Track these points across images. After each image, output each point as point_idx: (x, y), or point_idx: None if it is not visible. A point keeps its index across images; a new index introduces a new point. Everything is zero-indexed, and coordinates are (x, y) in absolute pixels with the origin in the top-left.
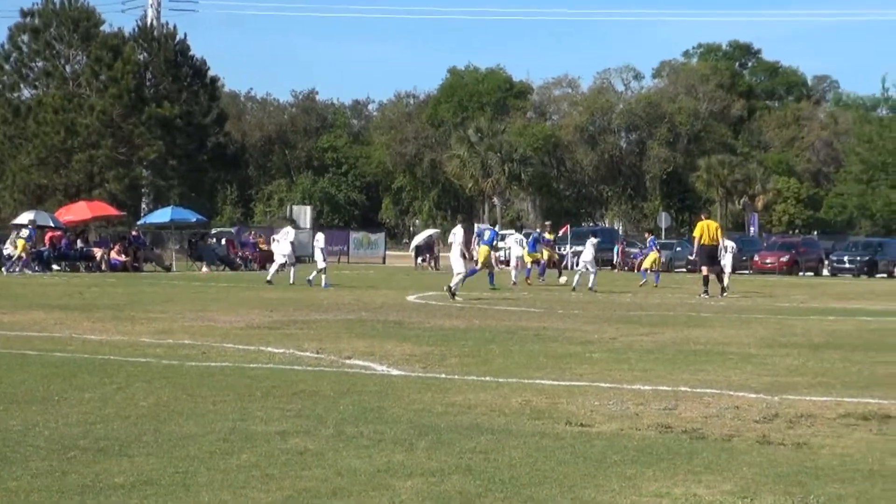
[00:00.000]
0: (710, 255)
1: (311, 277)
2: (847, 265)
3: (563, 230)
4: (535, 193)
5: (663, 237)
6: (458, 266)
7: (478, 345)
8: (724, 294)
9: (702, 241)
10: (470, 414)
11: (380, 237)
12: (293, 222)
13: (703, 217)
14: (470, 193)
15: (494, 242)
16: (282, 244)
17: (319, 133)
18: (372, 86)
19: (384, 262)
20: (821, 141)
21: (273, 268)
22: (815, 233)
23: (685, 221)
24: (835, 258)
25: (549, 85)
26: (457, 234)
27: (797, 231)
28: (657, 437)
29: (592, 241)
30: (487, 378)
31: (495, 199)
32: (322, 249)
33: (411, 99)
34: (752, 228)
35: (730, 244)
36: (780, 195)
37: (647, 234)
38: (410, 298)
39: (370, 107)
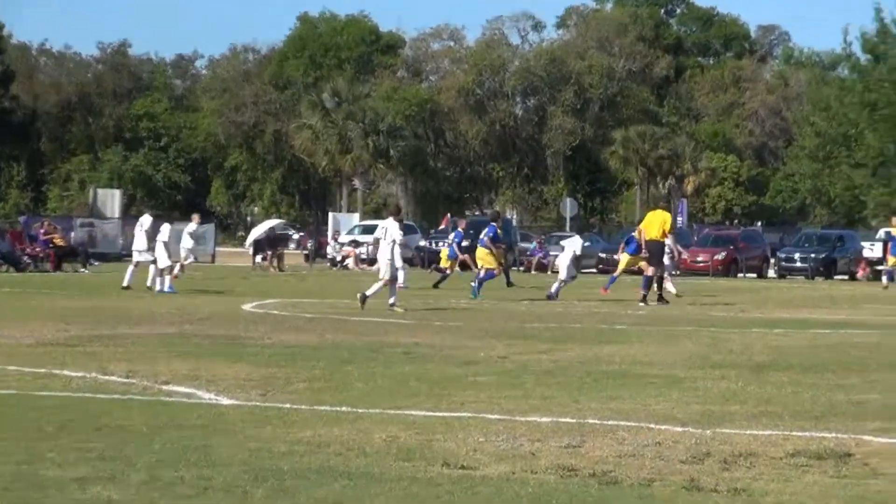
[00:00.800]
0: (655, 252)
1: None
2: (798, 264)
3: (443, 222)
4: (406, 174)
5: (567, 228)
6: (384, 269)
7: (331, 366)
8: (650, 302)
9: (649, 236)
10: (321, 454)
11: (208, 229)
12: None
13: (662, 205)
14: (324, 174)
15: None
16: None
17: (132, 97)
18: (200, 37)
19: (214, 261)
20: (766, 108)
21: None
22: (760, 223)
23: (595, 209)
24: (783, 256)
25: (425, 37)
26: (390, 228)
27: (736, 221)
28: (558, 483)
29: (577, 241)
30: (344, 408)
31: (356, 182)
32: (165, 244)
33: (250, 54)
34: (679, 218)
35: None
36: (714, 176)
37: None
38: (247, 307)
39: (197, 64)
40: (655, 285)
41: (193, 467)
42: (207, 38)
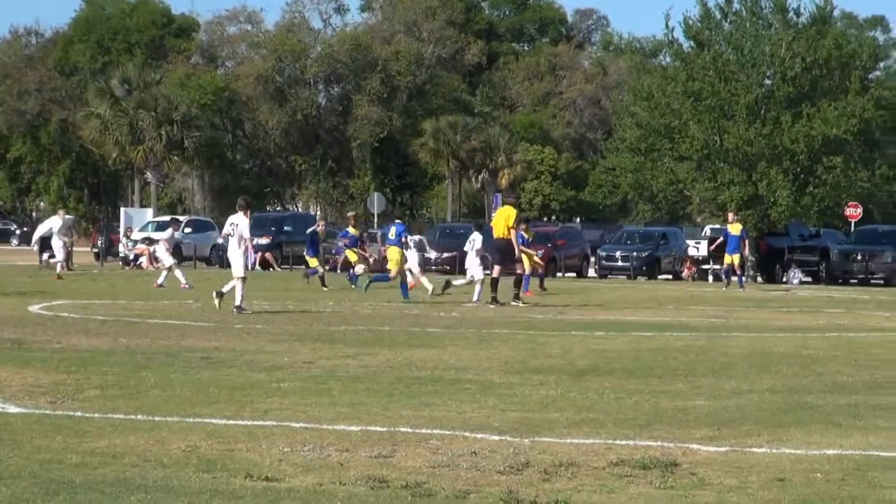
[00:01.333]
0: (502, 251)
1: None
2: (620, 263)
3: None
4: (203, 167)
5: (375, 224)
6: (237, 269)
7: (126, 372)
8: (479, 301)
9: (496, 234)
10: (116, 465)
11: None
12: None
13: (509, 201)
14: (115, 166)
15: (403, 239)
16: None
17: None
18: None
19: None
20: (585, 98)
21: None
22: (579, 220)
23: (405, 204)
24: (604, 254)
25: (220, 19)
26: (241, 224)
27: (554, 218)
28: (368, 495)
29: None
30: (139, 416)
31: (149, 175)
32: None
33: (33, 37)
34: (493, 213)
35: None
36: (531, 169)
37: (350, 220)
38: (34, 309)
39: None
40: (490, 286)
41: None
42: None
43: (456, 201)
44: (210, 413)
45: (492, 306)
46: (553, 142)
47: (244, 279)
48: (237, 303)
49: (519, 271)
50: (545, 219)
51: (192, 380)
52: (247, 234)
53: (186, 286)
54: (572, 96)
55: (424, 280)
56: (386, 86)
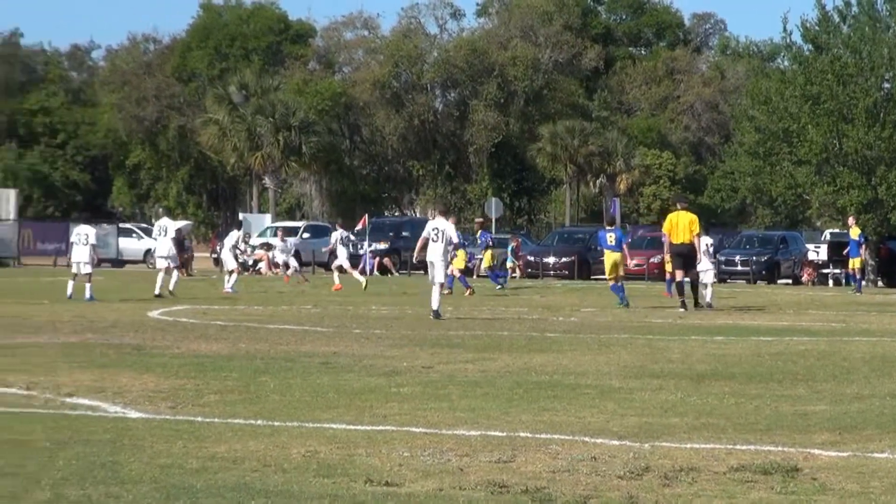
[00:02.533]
0: (684, 256)
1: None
2: (739, 267)
3: (360, 223)
4: (320, 172)
5: (493, 229)
6: (230, 263)
7: (245, 377)
8: (705, 307)
9: (673, 239)
10: (236, 470)
11: (111, 231)
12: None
13: (677, 206)
14: (233, 172)
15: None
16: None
17: (25, 90)
18: (97, 26)
19: (117, 265)
20: (703, 102)
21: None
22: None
23: (522, 209)
24: (723, 258)
25: (337, 25)
26: (447, 230)
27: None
28: (488, 500)
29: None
30: (259, 422)
31: (267, 180)
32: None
33: (151, 44)
34: (609, 217)
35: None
36: (648, 174)
37: (476, 226)
38: (154, 314)
39: (94, 55)
40: (690, 289)
41: (101, 485)
42: (104, 27)
43: (574, 206)
44: (330, 418)
45: (681, 310)
46: (671, 146)
47: (442, 285)
48: (434, 307)
49: (679, 277)
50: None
51: (312, 385)
52: (455, 239)
53: (230, 290)
54: (690, 100)
55: (355, 274)
56: (503, 91)
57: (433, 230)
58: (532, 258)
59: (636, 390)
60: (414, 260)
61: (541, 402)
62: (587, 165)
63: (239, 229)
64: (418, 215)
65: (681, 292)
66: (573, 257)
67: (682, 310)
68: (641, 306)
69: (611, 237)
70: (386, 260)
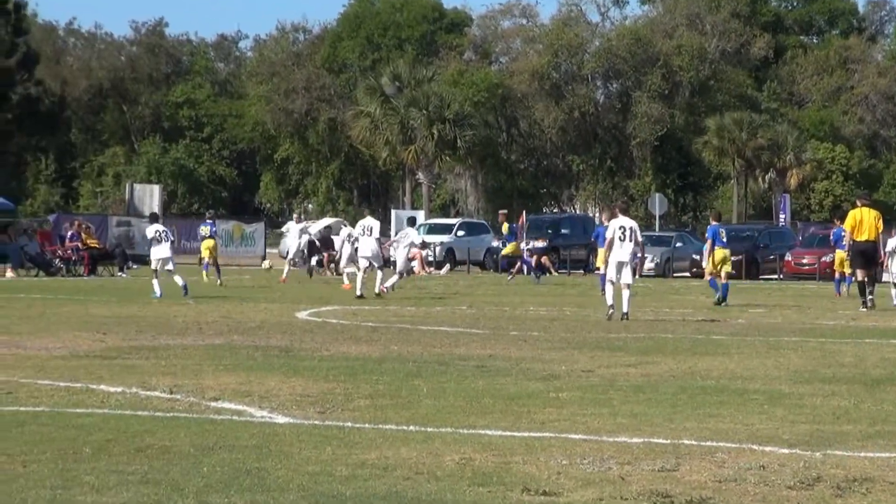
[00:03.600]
0: (867, 255)
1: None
2: None
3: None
4: (476, 167)
5: (657, 226)
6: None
7: (398, 381)
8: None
9: (856, 236)
10: (387, 478)
11: (258, 228)
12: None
13: (857, 203)
14: (385, 167)
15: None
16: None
17: (171, 82)
18: (244, 16)
19: (264, 264)
20: (878, 93)
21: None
22: None
23: (687, 205)
24: None
25: (494, 14)
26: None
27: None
28: None
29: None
30: (412, 427)
31: (420, 175)
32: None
33: (300, 34)
34: (782, 215)
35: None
36: (821, 169)
37: (501, 217)
38: (302, 315)
39: (242, 45)
40: (858, 289)
41: (246, 493)
42: (252, 16)
43: (742, 202)
44: (485, 424)
45: (863, 310)
46: (844, 139)
47: (629, 286)
48: (625, 309)
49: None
50: (835, 221)
51: (466, 389)
52: (640, 238)
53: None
54: (864, 91)
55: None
56: (667, 81)
57: (619, 228)
58: (697, 257)
59: (807, 396)
60: (599, 263)
61: (706, 407)
62: (756, 159)
63: (413, 225)
64: (578, 212)
65: (862, 292)
66: (741, 256)
67: (863, 309)
68: (814, 307)
69: (723, 233)
70: (544, 259)
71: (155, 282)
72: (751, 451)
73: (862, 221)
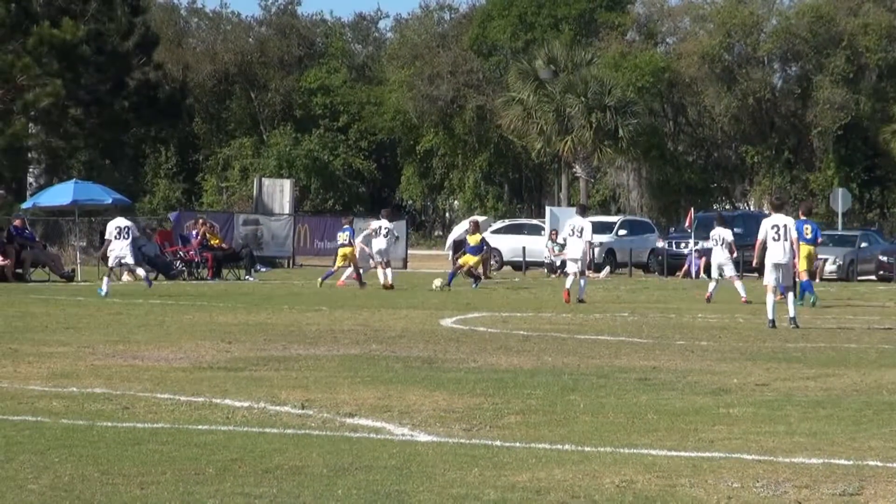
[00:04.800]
0: None
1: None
2: None
3: (687, 218)
4: (639, 159)
5: (839, 225)
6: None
7: (552, 395)
8: None
9: None
10: (540, 501)
11: (399, 227)
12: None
13: None
14: (538, 159)
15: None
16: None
17: (304, 67)
18: None
19: (406, 266)
20: None
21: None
22: None
23: (873, 202)
24: None
25: None
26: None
27: None
28: None
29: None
30: (567, 446)
31: (577, 169)
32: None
33: (446, 12)
34: None
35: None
36: None
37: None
38: (446, 322)
39: (381, 25)
40: None
41: None
42: None
43: None
44: (648, 443)
45: None
46: None
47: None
48: (791, 314)
49: None
50: None
51: (628, 404)
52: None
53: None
54: None
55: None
56: (852, 64)
57: (773, 227)
58: (885, 258)
59: None
60: (753, 263)
61: (894, 425)
62: None
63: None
64: (752, 208)
65: None
66: None
67: None
68: None
69: (807, 228)
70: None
71: (106, 279)
72: None
73: None
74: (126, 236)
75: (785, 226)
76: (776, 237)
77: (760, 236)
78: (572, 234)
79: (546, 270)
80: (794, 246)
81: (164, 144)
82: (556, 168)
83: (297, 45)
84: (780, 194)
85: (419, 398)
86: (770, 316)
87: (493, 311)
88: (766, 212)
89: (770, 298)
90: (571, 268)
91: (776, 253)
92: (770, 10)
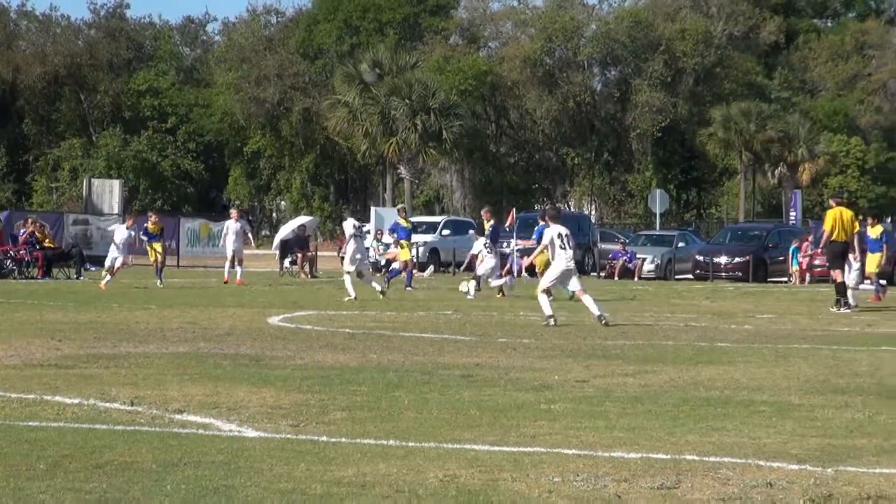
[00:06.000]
0: (844, 255)
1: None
2: None
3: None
4: (463, 160)
5: (657, 225)
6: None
7: (377, 391)
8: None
9: (835, 237)
10: (365, 496)
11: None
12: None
13: (832, 203)
14: (364, 161)
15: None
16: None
17: (132, 69)
18: None
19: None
20: None
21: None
22: (890, 219)
23: (690, 202)
24: None
25: None
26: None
27: (862, 217)
28: None
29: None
30: (392, 441)
31: (402, 170)
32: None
33: (273, 17)
34: (793, 213)
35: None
36: (835, 163)
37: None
38: (274, 321)
39: (209, 28)
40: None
41: None
42: None
43: (749, 199)
44: (471, 438)
45: (839, 310)
46: (860, 131)
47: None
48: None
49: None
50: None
51: (451, 400)
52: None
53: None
54: (882, 79)
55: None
56: (670, 68)
57: (559, 236)
58: (701, 258)
59: (818, 408)
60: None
61: (710, 420)
62: (765, 153)
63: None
64: (573, 209)
65: (841, 292)
66: (748, 257)
67: (844, 309)
68: (826, 312)
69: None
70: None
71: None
72: (757, 468)
73: (842, 222)
74: None
75: (568, 234)
76: (563, 245)
77: (545, 242)
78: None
79: (371, 269)
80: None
81: None
82: (382, 169)
83: (126, 48)
84: (557, 207)
85: (247, 395)
86: (548, 312)
87: (320, 309)
88: (587, 212)
89: (545, 298)
90: (574, 285)
91: (564, 259)
92: (590, 16)
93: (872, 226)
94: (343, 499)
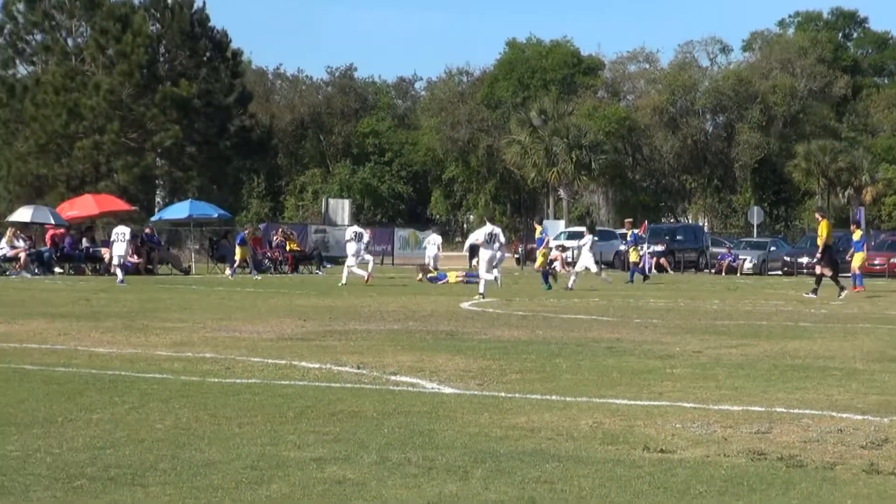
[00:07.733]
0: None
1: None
2: None
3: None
4: (607, 185)
5: (755, 233)
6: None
7: (542, 359)
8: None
9: (829, 242)
10: (533, 438)
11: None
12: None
13: (820, 217)
14: (532, 185)
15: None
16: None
17: (359, 116)
18: (419, 61)
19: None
20: None
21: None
22: None
23: (780, 216)
24: None
25: (622, 60)
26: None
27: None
28: (748, 466)
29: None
30: (553, 397)
31: (561, 192)
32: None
33: (464, 76)
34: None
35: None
36: (890, 186)
37: (536, 225)
38: (465, 306)
39: (417, 85)
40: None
41: (419, 449)
42: (425, 61)
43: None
44: (613, 394)
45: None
46: None
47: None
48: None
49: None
50: None
51: (598, 366)
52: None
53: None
54: None
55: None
56: (764, 115)
57: (487, 234)
58: (788, 258)
59: (878, 372)
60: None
61: (794, 381)
62: (837, 179)
63: (592, 233)
64: (690, 221)
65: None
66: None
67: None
68: (884, 300)
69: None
70: (662, 260)
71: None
72: (830, 418)
73: (829, 231)
74: (122, 240)
75: (498, 233)
76: (489, 240)
77: (481, 239)
78: (589, 249)
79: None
80: (504, 248)
81: (256, 173)
82: (546, 191)
83: (354, 100)
84: (490, 214)
85: (444, 361)
86: (482, 290)
87: (500, 297)
88: (701, 223)
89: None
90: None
91: (490, 252)
92: (704, 75)
93: (854, 231)
94: (517, 440)
